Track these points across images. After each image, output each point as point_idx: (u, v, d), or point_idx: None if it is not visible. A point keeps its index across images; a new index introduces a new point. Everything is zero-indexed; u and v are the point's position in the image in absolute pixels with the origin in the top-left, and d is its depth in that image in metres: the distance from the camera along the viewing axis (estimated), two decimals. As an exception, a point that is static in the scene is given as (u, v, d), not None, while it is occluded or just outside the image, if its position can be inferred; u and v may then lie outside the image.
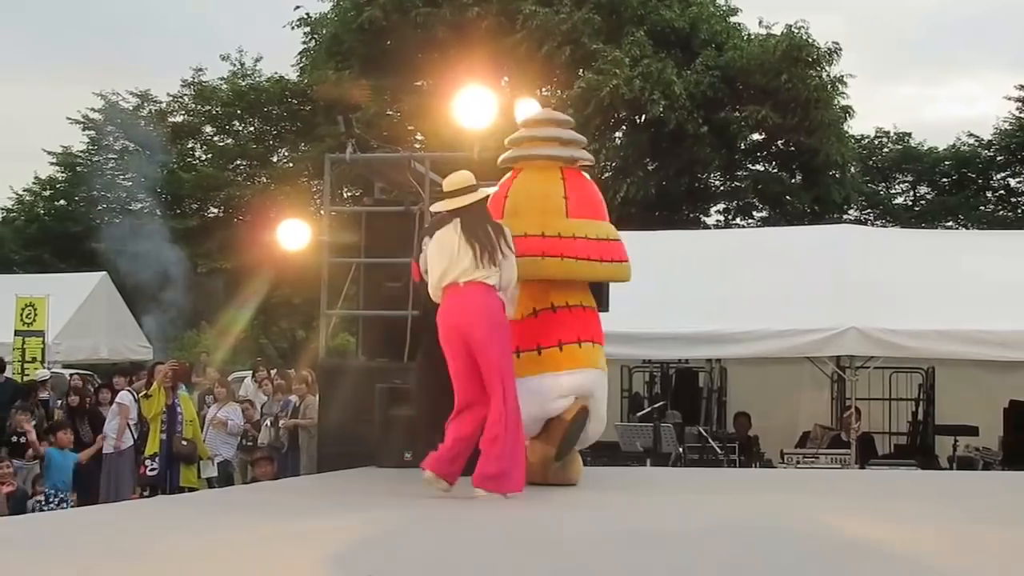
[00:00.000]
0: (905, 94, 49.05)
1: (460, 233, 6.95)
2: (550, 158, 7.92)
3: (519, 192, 7.77)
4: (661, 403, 13.72)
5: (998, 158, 31.11)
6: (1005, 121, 30.93)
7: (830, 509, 6.71)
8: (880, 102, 48.47)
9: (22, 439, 13.62)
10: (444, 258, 6.93)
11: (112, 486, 12.83)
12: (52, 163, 35.23)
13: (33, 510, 11.32)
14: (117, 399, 13.46)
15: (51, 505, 11.74)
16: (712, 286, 13.46)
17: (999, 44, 50.07)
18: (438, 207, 7.25)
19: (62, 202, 35.54)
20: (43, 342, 18.47)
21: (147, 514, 6.59)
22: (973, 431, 13.34)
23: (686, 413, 13.69)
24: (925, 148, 32.57)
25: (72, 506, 11.80)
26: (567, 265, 7.51)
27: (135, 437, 12.87)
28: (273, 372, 17.42)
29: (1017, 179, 31.36)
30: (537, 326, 7.53)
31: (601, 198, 8.08)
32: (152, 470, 11.65)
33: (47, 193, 35.95)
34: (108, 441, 13.19)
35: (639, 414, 13.74)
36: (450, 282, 6.91)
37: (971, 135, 31.55)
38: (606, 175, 25.41)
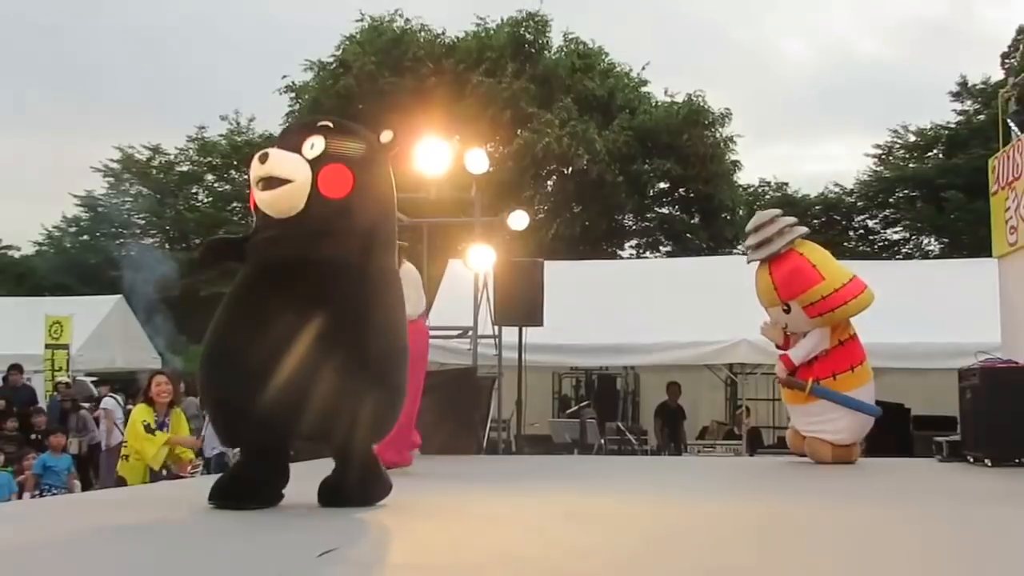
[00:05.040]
0: (783, 152, 49.61)
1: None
2: (805, 236, 8.91)
3: (819, 259, 8.71)
4: (585, 403, 13.70)
5: (858, 203, 31.37)
6: (864, 173, 31.31)
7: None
8: (763, 158, 49.33)
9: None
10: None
11: (110, 477, 12.54)
12: (77, 204, 35.07)
13: None
14: (102, 404, 13.03)
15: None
16: (627, 306, 13.46)
17: (856, 112, 51.15)
18: None
19: (85, 237, 35.17)
20: (68, 354, 18.11)
21: (158, 495, 6.34)
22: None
23: (606, 411, 13.65)
24: (799, 195, 32.68)
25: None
26: (861, 301, 8.53)
27: (123, 434, 12.53)
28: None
29: (873, 220, 31.64)
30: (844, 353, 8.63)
31: None
32: None
33: (72, 230, 35.61)
34: (102, 440, 12.81)
35: (567, 412, 13.70)
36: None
37: (836, 185, 31.79)
38: (539, 216, 25.37)
